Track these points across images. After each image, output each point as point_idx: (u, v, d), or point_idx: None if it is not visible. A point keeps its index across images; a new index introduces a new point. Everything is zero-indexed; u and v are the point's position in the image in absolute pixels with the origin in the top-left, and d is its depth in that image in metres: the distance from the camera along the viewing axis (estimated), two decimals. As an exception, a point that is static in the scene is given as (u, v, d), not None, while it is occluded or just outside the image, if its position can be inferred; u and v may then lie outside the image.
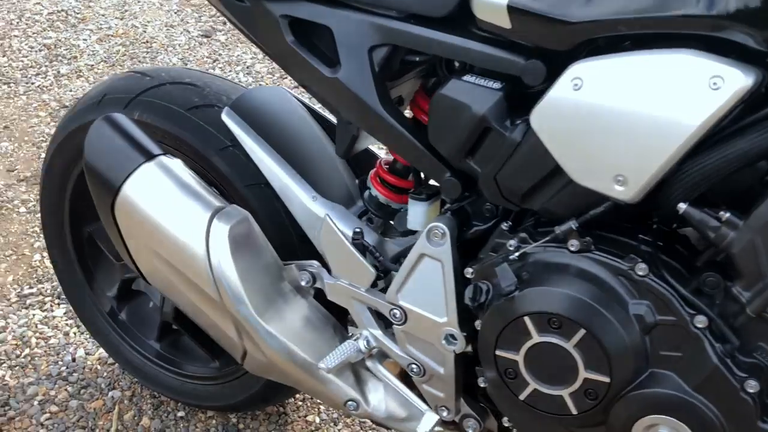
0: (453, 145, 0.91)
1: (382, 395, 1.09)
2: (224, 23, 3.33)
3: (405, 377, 1.10)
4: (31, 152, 2.58)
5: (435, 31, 0.91)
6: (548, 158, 0.83)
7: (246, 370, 1.37)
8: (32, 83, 3.00)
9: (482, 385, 0.97)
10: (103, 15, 3.55)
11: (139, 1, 3.66)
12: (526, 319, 0.84)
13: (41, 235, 2.17)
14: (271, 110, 1.22)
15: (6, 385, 1.68)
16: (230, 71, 2.95)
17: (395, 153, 1.05)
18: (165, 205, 1.08)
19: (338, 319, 1.17)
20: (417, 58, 0.99)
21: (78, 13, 3.57)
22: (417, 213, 1.02)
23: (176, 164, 1.13)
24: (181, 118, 1.22)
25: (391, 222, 1.18)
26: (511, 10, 0.83)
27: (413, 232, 1.10)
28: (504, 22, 0.85)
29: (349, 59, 0.96)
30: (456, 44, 0.90)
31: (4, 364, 1.73)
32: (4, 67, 3.12)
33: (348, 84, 0.97)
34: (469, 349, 0.99)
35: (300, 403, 1.60)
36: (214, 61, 3.03)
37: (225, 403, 1.45)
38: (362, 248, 1.04)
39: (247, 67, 2.96)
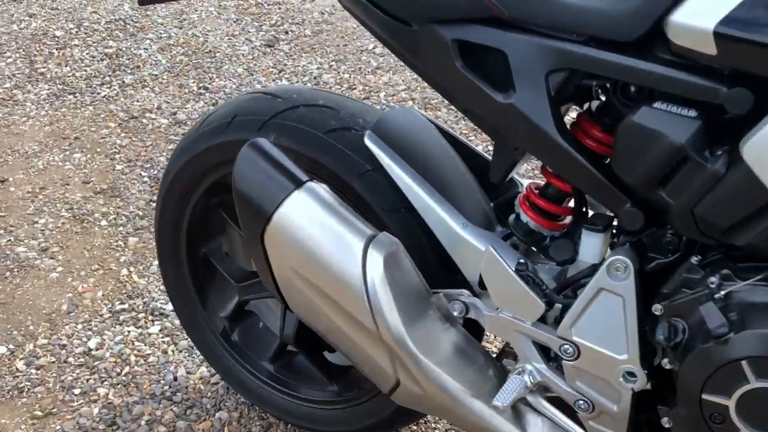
0: (643, 175, 0.88)
1: (540, 430, 1.06)
2: (286, 32, 3.32)
3: (563, 411, 1.07)
4: (104, 164, 2.57)
5: (622, 56, 0.88)
6: (761, 192, 0.80)
7: (371, 397, 1.35)
8: (98, 93, 3.00)
9: (666, 425, 0.94)
10: (161, 24, 3.55)
11: (196, 10, 3.65)
12: (744, 363, 0.81)
13: (126, 249, 2.17)
14: (409, 132, 1.19)
15: (111, 403, 1.66)
16: (297, 82, 2.93)
17: (570, 180, 1.02)
18: (318, 233, 1.06)
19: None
20: (594, 83, 0.96)
21: (136, 22, 3.57)
22: (592, 244, 0.99)
23: (325, 190, 1.10)
24: (319, 142, 1.20)
25: (534, 248, 1.15)
26: (719, 36, 0.80)
27: (570, 261, 1.07)
28: (708, 48, 0.81)
29: (525, 84, 0.93)
30: (647, 70, 0.87)
31: (106, 382, 1.72)
32: (68, 77, 3.13)
33: (523, 110, 0.94)
34: (648, 386, 0.95)
35: (414, 427, 1.57)
36: (280, 72, 3.02)
37: (346, 428, 1.42)
38: (528, 280, 1.01)
39: (314, 78, 2.94)
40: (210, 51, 3.23)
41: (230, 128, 1.27)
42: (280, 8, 3.55)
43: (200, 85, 2.97)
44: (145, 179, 2.47)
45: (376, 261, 1.04)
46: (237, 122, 1.27)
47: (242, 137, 1.25)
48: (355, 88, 2.84)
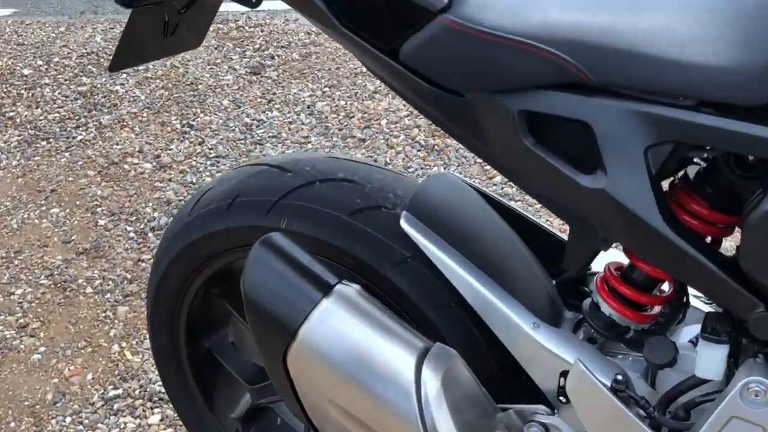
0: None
1: None
2: (272, 57, 3.10)
3: None
4: (85, 219, 2.34)
5: (745, 124, 0.68)
6: None
7: None
8: (73, 137, 2.77)
9: None
10: (137, 55, 3.32)
11: (173, 38, 3.43)
12: None
13: (116, 321, 1.94)
14: (452, 207, 0.98)
15: None
16: (289, 112, 2.71)
17: (682, 280, 0.81)
18: (356, 351, 0.85)
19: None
20: (704, 155, 0.75)
21: (110, 55, 3.34)
22: (713, 358, 0.78)
23: (358, 293, 0.89)
24: (343, 226, 0.98)
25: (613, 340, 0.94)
26: None
27: (671, 364, 0.86)
28: None
29: (618, 164, 0.73)
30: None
31: (103, 491, 1.50)
32: (40, 120, 2.90)
33: (617, 196, 0.73)
34: None
35: None
36: (270, 102, 2.79)
37: None
38: (628, 402, 0.80)
39: (308, 107, 2.72)
40: (191, 83, 3.01)
41: (232, 211, 1.05)
42: (262, 31, 3.33)
43: (183, 122, 2.75)
44: (131, 235, 2.24)
45: (432, 383, 0.83)
46: (240, 204, 1.05)
47: (247, 223, 1.04)
48: (353, 116, 2.63)
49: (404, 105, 2.65)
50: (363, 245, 0.98)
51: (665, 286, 0.92)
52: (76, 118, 2.88)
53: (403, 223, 0.95)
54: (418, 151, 2.38)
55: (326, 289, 0.87)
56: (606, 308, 0.91)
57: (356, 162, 1.08)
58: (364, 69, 2.95)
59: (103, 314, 1.96)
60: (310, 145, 2.51)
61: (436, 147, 2.38)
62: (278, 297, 0.87)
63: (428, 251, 0.94)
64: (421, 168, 2.30)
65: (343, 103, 2.73)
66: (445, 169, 2.29)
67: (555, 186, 0.77)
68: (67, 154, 2.68)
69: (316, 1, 0.78)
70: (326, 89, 2.83)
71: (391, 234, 0.98)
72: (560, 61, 0.71)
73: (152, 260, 1.19)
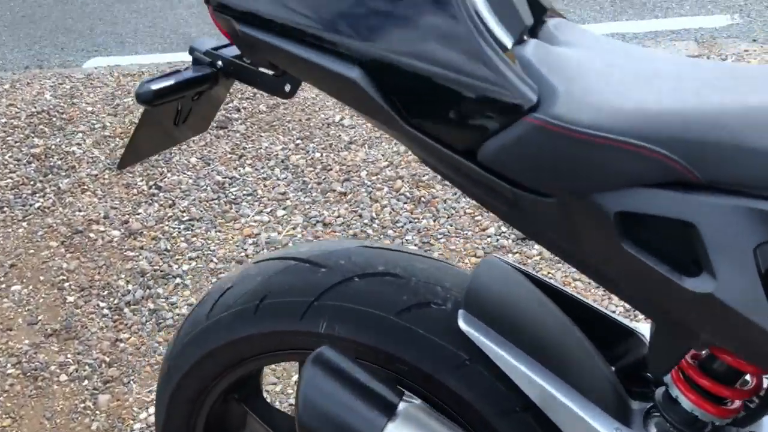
0: None
1: None
2: (238, 110, 2.99)
3: None
4: (52, 296, 2.17)
5: None
6: None
7: None
8: (30, 205, 2.60)
9: None
10: (92, 112, 3.17)
11: (129, 93, 3.29)
12: None
13: (97, 412, 1.78)
14: (508, 300, 0.90)
15: None
16: (262, 167, 2.60)
17: None
18: (431, 482, 0.75)
19: None
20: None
21: (62, 113, 3.18)
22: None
23: (422, 410, 0.80)
24: (391, 328, 0.89)
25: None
26: None
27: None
28: None
29: (727, 265, 0.66)
30: None
31: None
32: (-9, 187, 2.71)
33: (728, 300, 0.66)
34: None
35: None
36: (240, 157, 2.68)
37: None
38: None
39: (282, 161, 2.62)
40: (155, 140, 2.87)
41: (260, 314, 0.95)
42: (225, 81, 3.22)
43: (150, 183, 2.61)
44: (105, 311, 2.08)
45: None
46: (269, 306, 0.94)
47: (279, 328, 0.94)
48: (330, 169, 2.54)
49: (382, 155, 2.58)
50: (415, 349, 0.88)
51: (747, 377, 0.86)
52: (32, 183, 2.71)
53: (461, 324, 0.86)
54: (404, 203, 2.30)
55: (390, 411, 0.77)
56: (687, 403, 0.84)
57: (393, 250, 0.98)
58: (336, 119, 2.87)
59: (82, 405, 1.80)
60: (288, 202, 2.40)
61: (422, 199, 2.30)
62: (338, 423, 0.77)
63: (492, 353, 0.85)
64: (410, 222, 2.23)
65: (318, 155, 2.63)
66: (434, 222, 2.21)
67: (654, 290, 0.69)
68: (24, 224, 2.50)
69: (372, 96, 0.70)
70: (299, 141, 2.73)
71: (444, 334, 0.89)
72: (664, 158, 0.64)
73: (162, 367, 1.07)
